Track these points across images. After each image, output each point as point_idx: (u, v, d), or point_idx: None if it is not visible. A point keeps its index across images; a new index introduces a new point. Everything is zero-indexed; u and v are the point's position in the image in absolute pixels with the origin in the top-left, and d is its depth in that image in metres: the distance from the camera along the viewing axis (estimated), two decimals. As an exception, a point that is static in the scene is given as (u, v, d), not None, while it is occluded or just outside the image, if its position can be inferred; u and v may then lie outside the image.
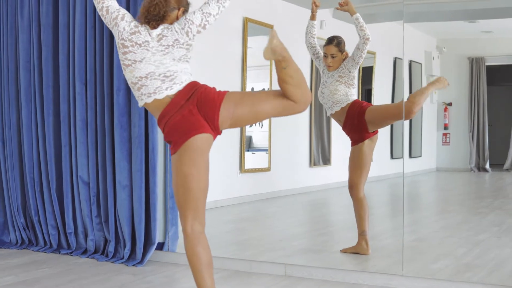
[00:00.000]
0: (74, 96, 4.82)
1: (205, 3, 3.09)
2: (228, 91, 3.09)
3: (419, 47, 9.76)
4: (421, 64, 9.65)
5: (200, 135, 2.96)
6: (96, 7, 3.14)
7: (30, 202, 5.02)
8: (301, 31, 8.81)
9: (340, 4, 4.82)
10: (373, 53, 8.52)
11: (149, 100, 3.03)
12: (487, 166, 10.50)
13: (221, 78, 7.19)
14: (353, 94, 4.82)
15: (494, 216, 6.78)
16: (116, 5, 3.14)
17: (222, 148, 7.52)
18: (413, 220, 6.32)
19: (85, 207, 4.77)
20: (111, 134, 4.67)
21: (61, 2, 4.87)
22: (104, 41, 4.68)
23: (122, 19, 3.09)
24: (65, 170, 4.87)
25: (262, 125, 8.51)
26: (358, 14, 4.79)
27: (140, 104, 3.08)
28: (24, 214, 5.12)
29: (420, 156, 9.76)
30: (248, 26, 7.84)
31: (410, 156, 9.43)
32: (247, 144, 8.38)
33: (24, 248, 5.01)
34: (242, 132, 8.06)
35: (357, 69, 4.97)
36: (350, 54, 4.97)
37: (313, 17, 5.24)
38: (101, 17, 3.15)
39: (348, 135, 4.88)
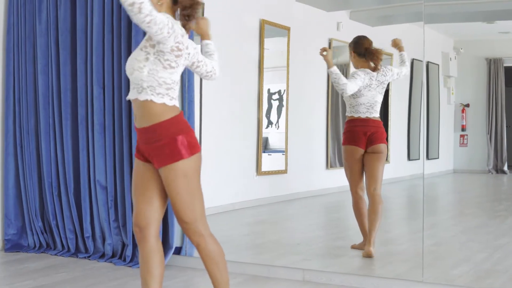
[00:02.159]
0: (92, 100, 4.82)
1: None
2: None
3: (436, 48, 9.69)
4: (438, 65, 9.58)
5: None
6: (144, 25, 2.79)
7: (48, 206, 5.03)
8: (317, 32, 8.78)
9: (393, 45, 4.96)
10: (390, 55, 8.47)
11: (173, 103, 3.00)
12: (505, 168, 10.40)
13: (238, 80, 7.19)
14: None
15: (513, 219, 6.75)
16: (162, 19, 2.82)
17: (238, 150, 7.51)
18: (431, 223, 6.27)
19: (103, 211, 4.77)
20: (128, 138, 4.67)
21: (78, 6, 4.87)
22: (122, 45, 4.68)
23: (174, 25, 2.89)
24: (83, 174, 4.88)
25: (278, 126, 8.49)
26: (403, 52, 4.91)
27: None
28: (42, 218, 5.13)
29: (438, 157, 9.70)
30: (265, 28, 7.82)
31: (427, 157, 9.36)
32: (263, 146, 8.36)
33: (42, 252, 5.02)
34: (258, 133, 8.05)
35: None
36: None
37: (329, 66, 5.12)
38: (167, 36, 2.84)
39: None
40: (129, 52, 4.65)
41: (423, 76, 8.45)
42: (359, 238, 5.41)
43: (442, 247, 5.27)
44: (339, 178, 9.02)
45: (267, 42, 8.07)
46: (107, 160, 4.74)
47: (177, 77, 2.97)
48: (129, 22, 4.67)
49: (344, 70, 8.98)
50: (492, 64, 10.91)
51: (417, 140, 9.20)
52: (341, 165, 8.97)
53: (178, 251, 4.70)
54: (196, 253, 4.66)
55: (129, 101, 4.67)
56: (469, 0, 8.11)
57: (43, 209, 5.14)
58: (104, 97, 4.77)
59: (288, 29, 8.17)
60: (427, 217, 6.30)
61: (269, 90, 8.29)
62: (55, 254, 4.94)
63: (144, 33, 4.60)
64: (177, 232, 4.66)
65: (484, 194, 9.20)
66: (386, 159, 5.14)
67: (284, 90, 8.33)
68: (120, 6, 4.70)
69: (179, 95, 4.66)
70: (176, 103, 2.97)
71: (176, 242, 4.64)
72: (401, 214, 7.55)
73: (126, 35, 4.67)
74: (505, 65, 10.49)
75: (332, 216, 7.61)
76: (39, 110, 5.06)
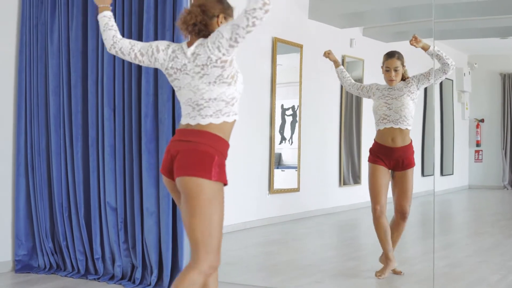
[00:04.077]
0: (102, 121, 4.82)
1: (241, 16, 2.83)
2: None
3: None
4: (452, 80, 9.53)
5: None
6: (131, 59, 3.07)
7: (59, 227, 5.03)
8: (330, 49, 8.75)
9: (412, 43, 4.74)
10: (404, 71, 8.43)
11: (182, 121, 2.95)
12: (521, 183, 10.27)
13: (250, 96, 7.18)
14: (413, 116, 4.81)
15: (528, 239, 6.66)
16: (144, 43, 3.07)
17: (250, 168, 7.49)
18: (445, 243, 6.21)
19: (113, 233, 4.76)
20: (139, 160, 4.66)
21: (90, 28, 4.89)
22: (132, 67, 4.68)
23: (158, 51, 2.99)
24: (93, 196, 4.87)
25: (292, 142, 8.47)
26: (431, 48, 4.71)
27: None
28: (52, 239, 5.13)
29: (452, 173, 9.63)
30: (278, 45, 7.83)
31: (442, 173, 9.30)
32: (276, 161, 8.33)
33: (52, 273, 5.01)
34: (271, 151, 8.04)
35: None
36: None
37: (337, 64, 5.14)
38: (141, 63, 3.08)
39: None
40: (139, 75, 4.66)
41: (434, 91, 8.41)
42: (371, 259, 5.37)
43: (455, 269, 5.21)
44: (352, 195, 8.99)
45: (281, 58, 8.08)
46: (117, 182, 4.74)
47: None
48: (139, 44, 4.68)
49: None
50: (507, 79, 10.85)
51: (431, 156, 9.15)
52: (355, 182, 8.94)
53: (188, 273, 4.68)
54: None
55: (139, 123, 4.67)
56: (483, 16, 8.07)
57: (53, 230, 5.14)
58: (114, 119, 4.77)
59: (301, 46, 8.17)
60: (441, 236, 6.26)
61: (282, 105, 8.28)
62: (65, 276, 4.93)
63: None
64: (187, 254, 4.63)
65: (499, 212, 9.11)
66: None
67: (298, 106, 8.32)
68: (130, 28, 4.71)
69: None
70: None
71: (185, 264, 4.61)
72: (416, 232, 7.49)
73: (136, 57, 4.67)
74: (519, 80, 10.39)
75: (344, 235, 7.56)
76: (50, 131, 5.07)
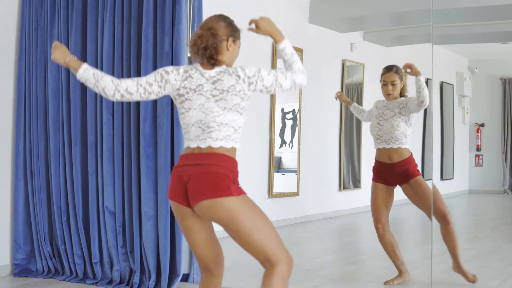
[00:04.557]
0: (101, 126, 4.82)
1: (284, 71, 2.98)
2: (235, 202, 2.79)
3: (451, 68, 9.64)
4: (452, 85, 9.53)
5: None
6: (140, 96, 2.91)
7: (57, 231, 5.03)
8: (331, 53, 8.78)
9: (404, 70, 4.67)
10: (405, 75, 8.43)
11: (185, 144, 2.91)
12: (521, 188, 10.24)
13: (251, 100, 7.17)
14: (409, 134, 4.70)
15: (527, 244, 6.65)
16: (146, 76, 2.96)
17: (250, 171, 7.49)
18: (445, 248, 6.19)
19: (111, 237, 4.76)
20: (137, 164, 4.66)
21: (89, 33, 4.89)
22: (131, 71, 4.69)
23: (167, 73, 2.90)
24: (92, 200, 4.87)
25: (292, 146, 8.47)
26: (419, 76, 4.62)
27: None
28: (51, 243, 5.13)
29: (452, 178, 9.62)
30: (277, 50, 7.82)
31: (442, 178, 9.30)
32: (276, 165, 8.33)
33: (50, 277, 5.01)
34: (270, 154, 8.04)
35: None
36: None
37: (350, 103, 5.11)
38: (150, 96, 2.93)
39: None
40: (138, 78, 4.66)
41: (431, 95, 8.40)
42: (372, 263, 5.36)
43: (454, 274, 5.20)
44: (352, 199, 8.98)
45: (281, 62, 8.08)
46: (116, 186, 4.74)
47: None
48: (138, 49, 4.69)
49: (359, 89, 8.97)
50: (507, 83, 10.84)
51: (431, 160, 9.14)
52: (355, 186, 8.94)
53: (185, 278, 4.68)
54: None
55: (138, 127, 4.67)
56: (483, 21, 8.07)
57: (52, 234, 5.14)
58: (113, 123, 4.77)
59: (301, 50, 8.17)
60: (440, 241, 6.24)
61: (282, 109, 8.29)
62: (63, 280, 4.93)
63: (153, 60, 4.61)
64: (185, 258, 4.63)
65: (499, 217, 9.09)
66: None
67: (298, 110, 8.33)
68: (129, 33, 4.71)
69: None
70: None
71: (183, 269, 4.61)
72: (416, 237, 7.48)
73: (136, 62, 4.68)
74: (520, 85, 10.38)
75: (344, 239, 7.56)
76: (49, 135, 5.07)
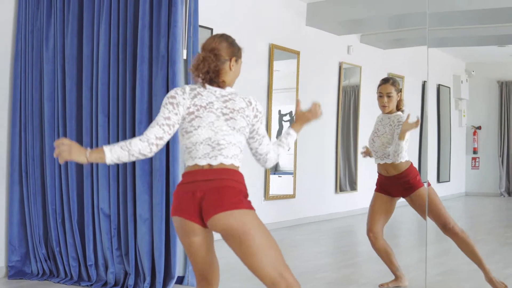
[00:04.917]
0: (96, 128, 4.82)
1: (269, 143, 2.99)
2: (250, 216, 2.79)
3: (448, 71, 9.66)
4: (449, 88, 9.54)
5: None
6: (170, 132, 2.82)
7: (52, 233, 5.03)
8: (328, 55, 8.79)
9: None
10: (401, 77, 8.45)
11: (191, 163, 2.86)
12: (517, 191, 10.29)
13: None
14: (404, 150, 4.59)
15: (523, 246, 6.65)
16: (159, 115, 2.84)
17: (246, 173, 7.49)
18: (441, 250, 6.20)
19: (106, 239, 4.76)
20: (132, 167, 4.66)
21: (85, 35, 4.89)
22: (127, 74, 4.69)
23: (174, 97, 2.83)
24: (87, 202, 4.87)
25: (289, 148, 8.47)
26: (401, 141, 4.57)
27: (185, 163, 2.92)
28: (46, 245, 5.12)
29: (449, 180, 9.64)
30: (275, 52, 7.83)
31: (438, 180, 9.32)
32: (273, 167, 8.33)
33: (45, 280, 5.00)
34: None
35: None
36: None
37: (371, 154, 4.98)
38: (176, 126, 2.83)
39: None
40: (134, 82, 4.67)
41: (427, 98, 8.42)
42: (367, 266, 5.36)
43: (449, 277, 5.21)
44: (349, 202, 8.99)
45: (279, 64, 8.08)
46: (111, 189, 4.74)
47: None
48: (134, 52, 4.69)
49: (356, 91, 8.98)
50: (504, 86, 10.85)
51: (428, 163, 9.15)
52: (351, 188, 8.94)
53: (180, 280, 4.68)
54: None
55: (134, 129, 4.67)
56: (480, 24, 8.08)
57: (47, 236, 5.13)
58: (109, 125, 4.77)
59: (297, 53, 8.18)
60: (436, 243, 6.24)
61: (279, 111, 8.29)
62: (58, 282, 4.92)
63: (149, 62, 4.62)
64: (179, 261, 4.63)
65: (495, 219, 9.10)
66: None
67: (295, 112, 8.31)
68: (125, 36, 4.71)
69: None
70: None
71: (178, 271, 4.61)
72: (412, 240, 7.48)
73: (131, 65, 4.68)
74: (516, 88, 10.44)
75: (340, 242, 7.56)
76: (44, 137, 5.07)
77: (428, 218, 4.56)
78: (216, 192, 2.78)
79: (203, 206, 2.78)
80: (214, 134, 2.82)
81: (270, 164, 3.06)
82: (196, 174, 2.82)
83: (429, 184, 4.72)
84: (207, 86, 2.89)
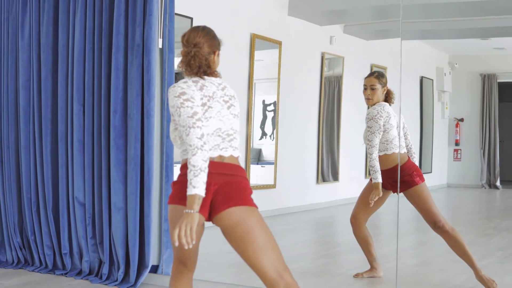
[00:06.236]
0: (71, 116, 4.81)
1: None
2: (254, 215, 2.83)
3: (431, 63, 9.67)
4: (432, 80, 9.56)
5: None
6: (207, 124, 2.82)
7: (27, 222, 5.02)
8: (310, 46, 8.77)
9: None
10: (384, 68, 8.46)
11: (212, 154, 2.83)
12: (498, 183, 10.36)
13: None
14: (392, 139, 4.60)
15: (500, 238, 6.68)
16: (184, 112, 2.76)
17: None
18: (419, 241, 6.24)
19: (81, 228, 4.76)
20: (107, 156, 4.65)
21: (61, 24, 4.87)
22: (102, 63, 4.67)
23: (183, 93, 2.78)
24: (62, 191, 4.86)
25: (273, 138, 8.47)
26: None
27: (182, 157, 2.87)
28: (20, 234, 5.12)
29: (431, 172, 9.67)
30: (256, 42, 7.81)
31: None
32: (256, 157, 8.33)
33: (20, 268, 5.01)
34: (247, 147, 8.02)
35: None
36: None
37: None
38: (211, 110, 2.81)
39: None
40: (109, 71, 4.65)
41: (400, 91, 8.43)
42: (343, 257, 5.37)
43: (424, 268, 5.23)
44: (330, 192, 8.99)
45: (261, 53, 8.07)
46: (86, 177, 4.73)
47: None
48: (110, 41, 4.67)
49: (339, 81, 8.98)
50: (486, 79, 10.88)
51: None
52: (334, 179, 8.96)
53: (154, 269, 4.68)
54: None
55: (108, 118, 4.66)
56: (464, 17, 8.09)
57: (21, 225, 5.12)
58: (84, 114, 4.76)
59: (279, 43, 8.16)
60: (414, 234, 6.28)
61: (263, 101, 8.28)
62: (33, 271, 4.92)
63: (125, 51, 4.60)
64: (154, 250, 4.63)
65: (476, 211, 9.15)
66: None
67: (276, 102, 8.32)
68: (101, 25, 4.69)
69: (159, 111, 4.66)
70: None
71: (152, 260, 4.61)
72: (393, 231, 7.50)
73: (107, 53, 4.66)
74: (499, 80, 10.48)
75: (319, 232, 7.58)
76: (19, 125, 5.05)
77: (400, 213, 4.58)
78: (230, 186, 2.79)
79: (216, 199, 2.78)
80: (223, 124, 2.84)
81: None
82: (213, 167, 2.79)
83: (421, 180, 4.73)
84: (205, 77, 2.89)
